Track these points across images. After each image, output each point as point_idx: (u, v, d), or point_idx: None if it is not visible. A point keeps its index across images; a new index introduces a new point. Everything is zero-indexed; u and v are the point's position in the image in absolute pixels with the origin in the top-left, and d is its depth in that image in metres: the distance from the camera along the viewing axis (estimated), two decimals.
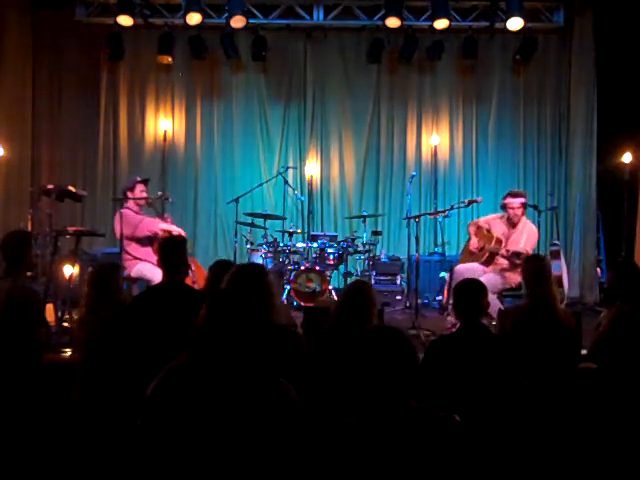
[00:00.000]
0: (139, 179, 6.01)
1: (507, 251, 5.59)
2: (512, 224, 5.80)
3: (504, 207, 5.87)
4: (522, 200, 5.78)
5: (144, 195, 5.89)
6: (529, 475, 2.86)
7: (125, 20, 7.49)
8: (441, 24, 7.53)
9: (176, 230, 5.78)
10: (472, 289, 3.23)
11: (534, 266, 3.75)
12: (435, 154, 8.48)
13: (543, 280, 3.61)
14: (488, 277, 5.40)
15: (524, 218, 5.85)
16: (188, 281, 4.86)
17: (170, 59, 8.15)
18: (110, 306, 3.59)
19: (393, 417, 1.82)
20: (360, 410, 1.85)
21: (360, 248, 7.33)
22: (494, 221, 5.98)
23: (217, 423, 1.91)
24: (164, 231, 5.71)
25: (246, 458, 1.90)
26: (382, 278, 7.42)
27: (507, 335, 3.49)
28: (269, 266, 6.98)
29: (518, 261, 5.50)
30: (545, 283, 3.60)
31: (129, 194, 5.89)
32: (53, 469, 3.07)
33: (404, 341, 1.91)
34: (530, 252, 5.68)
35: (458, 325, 3.30)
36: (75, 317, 4.81)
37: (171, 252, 3.61)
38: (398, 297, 7.23)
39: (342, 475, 1.80)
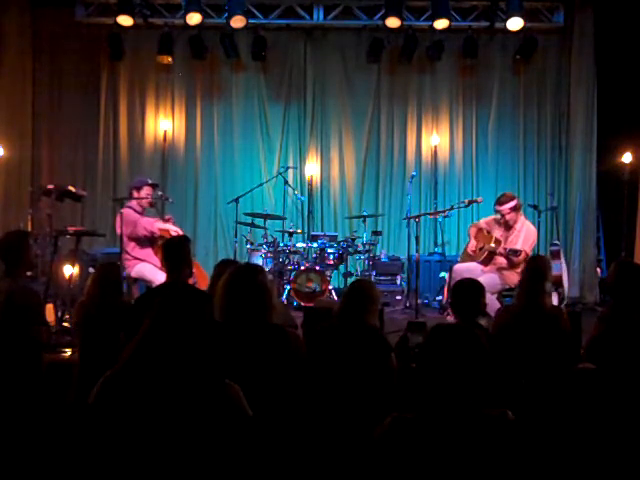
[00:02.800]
0: (150, 182, 5.93)
1: (504, 249, 5.60)
2: (508, 226, 5.82)
3: (497, 213, 5.90)
4: (511, 205, 5.75)
5: (149, 197, 5.83)
6: (527, 475, 2.86)
7: (125, 20, 7.50)
8: (441, 24, 7.54)
9: (174, 230, 5.65)
10: (469, 289, 3.23)
11: (532, 266, 3.73)
12: (435, 154, 8.48)
13: (536, 281, 3.57)
14: (487, 277, 5.42)
15: (522, 218, 5.86)
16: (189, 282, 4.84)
17: (170, 59, 8.15)
18: (111, 305, 3.61)
19: (454, 417, 1.81)
20: (423, 407, 1.84)
21: (360, 248, 7.32)
22: (493, 223, 6.01)
23: (159, 426, 1.89)
24: (162, 230, 5.62)
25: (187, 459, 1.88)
26: (382, 278, 7.42)
27: (494, 335, 3.48)
28: (269, 266, 6.98)
29: (515, 259, 5.52)
30: (538, 285, 3.56)
31: (134, 193, 5.81)
32: (53, 469, 3.07)
33: (482, 345, 1.87)
34: (529, 251, 5.69)
35: None
36: (73, 316, 4.82)
37: (174, 252, 3.60)
38: (398, 297, 7.23)
39: (398, 470, 1.80)
